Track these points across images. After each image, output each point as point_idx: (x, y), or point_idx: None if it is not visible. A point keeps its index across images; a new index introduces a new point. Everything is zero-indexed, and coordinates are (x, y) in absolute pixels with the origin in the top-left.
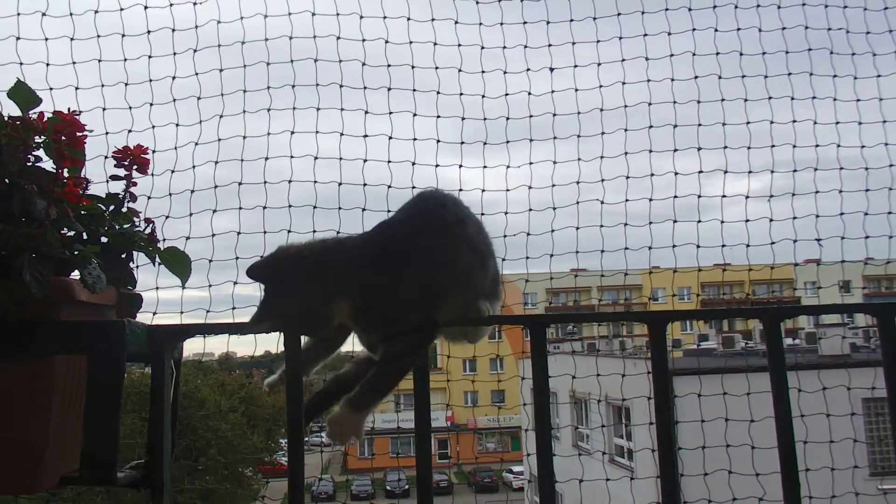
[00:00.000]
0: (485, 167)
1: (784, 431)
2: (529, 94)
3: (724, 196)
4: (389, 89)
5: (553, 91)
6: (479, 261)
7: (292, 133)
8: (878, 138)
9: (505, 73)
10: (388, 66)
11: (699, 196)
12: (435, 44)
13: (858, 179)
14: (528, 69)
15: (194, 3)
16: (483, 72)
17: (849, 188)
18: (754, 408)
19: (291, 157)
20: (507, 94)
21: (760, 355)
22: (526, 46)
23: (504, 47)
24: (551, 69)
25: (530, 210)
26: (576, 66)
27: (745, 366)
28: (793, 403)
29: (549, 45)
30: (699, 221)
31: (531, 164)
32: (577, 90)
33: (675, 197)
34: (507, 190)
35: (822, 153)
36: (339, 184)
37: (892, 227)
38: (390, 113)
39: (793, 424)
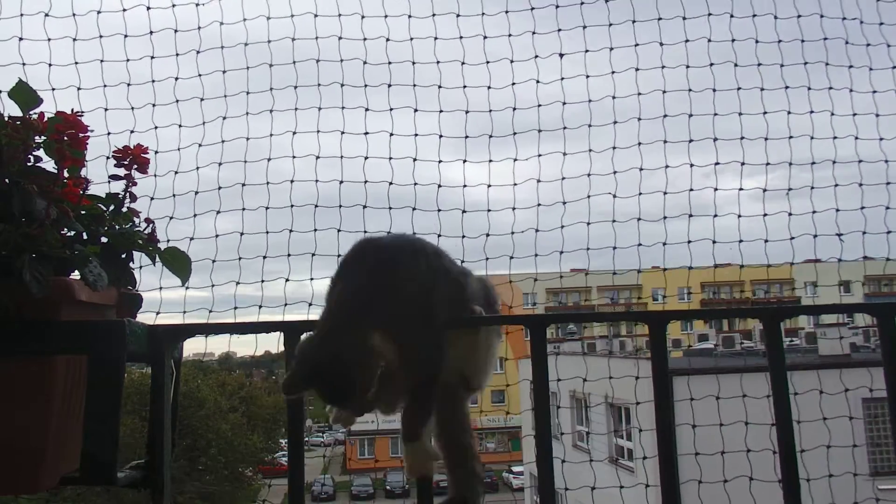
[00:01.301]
0: (490, 161)
1: (784, 431)
2: (538, 82)
3: (739, 189)
4: (390, 86)
5: (563, 78)
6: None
7: (294, 133)
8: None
9: (512, 61)
10: (389, 63)
11: (715, 190)
12: (436, 38)
13: (877, 174)
14: (536, 56)
15: (197, 5)
16: (487, 62)
17: (865, 183)
18: (752, 408)
19: (293, 157)
20: (513, 84)
21: (760, 355)
22: (534, 33)
23: (510, 35)
24: (561, 55)
25: (539, 205)
26: (587, 51)
27: (742, 366)
28: (792, 404)
29: (559, 30)
30: (714, 216)
31: (539, 156)
32: (588, 76)
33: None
34: (515, 184)
35: (823, 150)
36: (341, 182)
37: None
38: (391, 109)
39: (793, 424)
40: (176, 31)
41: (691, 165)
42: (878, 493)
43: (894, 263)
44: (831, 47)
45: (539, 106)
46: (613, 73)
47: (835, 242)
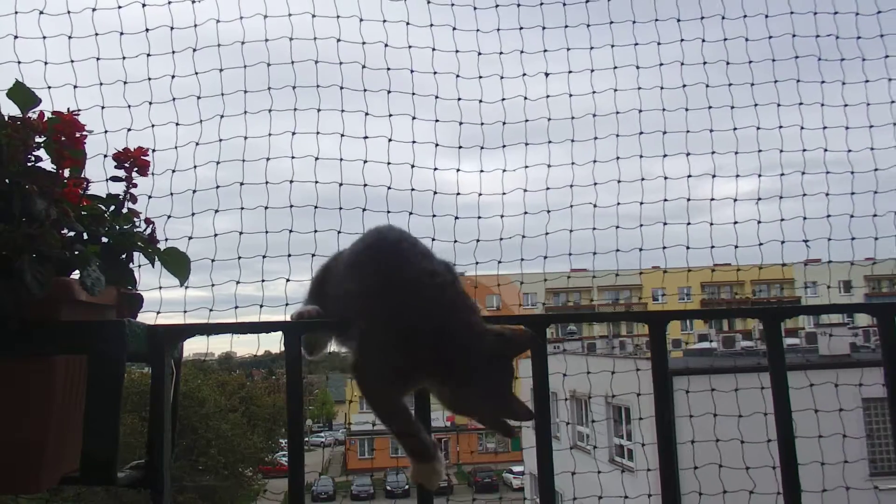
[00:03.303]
0: (482, 171)
1: (784, 430)
2: (525, 98)
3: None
4: (389, 92)
5: (548, 96)
6: None
7: (293, 134)
8: (865, 143)
9: (501, 77)
10: (388, 69)
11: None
12: (433, 49)
13: (850, 182)
14: (524, 74)
15: (193, 2)
16: (480, 77)
17: (844, 190)
18: (753, 407)
19: (293, 157)
20: (503, 99)
21: (760, 355)
22: (522, 52)
23: (501, 53)
24: (546, 74)
25: (525, 213)
26: (570, 73)
27: (744, 365)
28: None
29: (545, 51)
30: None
31: (526, 167)
32: (570, 95)
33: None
34: (504, 193)
35: (810, 157)
36: (340, 184)
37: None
38: (390, 115)
39: (793, 424)
40: (172, 28)
41: (665, 178)
42: (877, 493)
43: (888, 264)
44: (803, 64)
45: (526, 121)
46: (594, 92)
47: (831, 244)
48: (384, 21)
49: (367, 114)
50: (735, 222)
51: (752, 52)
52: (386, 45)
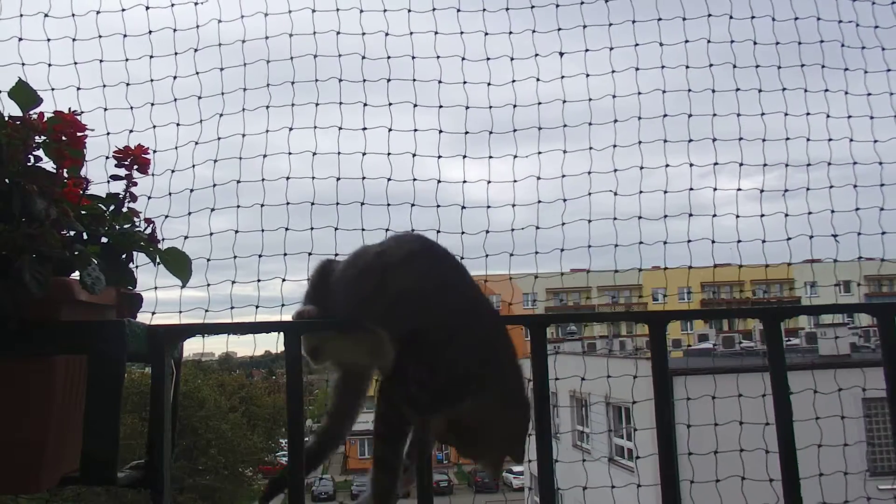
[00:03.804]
0: (490, 157)
1: (784, 431)
2: (538, 80)
3: (738, 190)
4: (389, 80)
5: (563, 76)
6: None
7: (290, 130)
8: (891, 133)
9: (512, 59)
10: (388, 57)
11: (714, 189)
12: (436, 33)
13: (873, 176)
14: (537, 55)
15: (195, 3)
16: (488, 59)
17: (860, 185)
18: (753, 409)
19: (290, 153)
20: (514, 81)
21: (760, 355)
22: (534, 31)
23: (510, 32)
24: (561, 54)
25: (539, 202)
26: (587, 51)
27: (742, 366)
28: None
29: (559, 29)
30: (713, 215)
31: (539, 153)
32: (588, 75)
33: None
34: (515, 181)
35: (823, 149)
36: (338, 178)
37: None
38: (389, 104)
39: (793, 424)
40: (174, 29)
41: (691, 165)
42: (877, 493)
43: (889, 264)
44: (827, 50)
45: (539, 104)
46: (613, 72)
47: (832, 243)
48: (384, 10)
49: (365, 104)
50: (762, 215)
51: (779, 34)
52: (386, 34)
